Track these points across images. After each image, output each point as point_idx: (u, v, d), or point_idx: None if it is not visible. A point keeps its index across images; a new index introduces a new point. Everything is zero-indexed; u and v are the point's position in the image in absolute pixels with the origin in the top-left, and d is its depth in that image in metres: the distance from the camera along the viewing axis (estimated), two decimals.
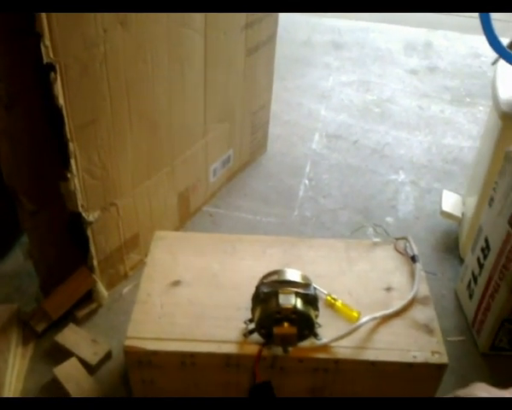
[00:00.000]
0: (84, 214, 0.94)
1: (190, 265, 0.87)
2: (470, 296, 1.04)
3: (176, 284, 0.84)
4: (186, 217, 1.27)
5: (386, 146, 1.58)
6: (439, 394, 0.80)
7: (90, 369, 0.95)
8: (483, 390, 0.43)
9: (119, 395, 0.92)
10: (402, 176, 1.46)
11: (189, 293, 0.83)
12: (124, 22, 0.86)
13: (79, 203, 0.92)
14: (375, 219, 1.29)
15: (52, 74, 0.78)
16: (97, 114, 0.89)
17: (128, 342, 0.76)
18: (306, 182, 1.43)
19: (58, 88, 0.79)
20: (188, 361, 0.76)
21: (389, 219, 1.30)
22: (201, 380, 0.79)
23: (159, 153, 1.08)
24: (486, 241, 0.98)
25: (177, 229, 1.24)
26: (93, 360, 0.96)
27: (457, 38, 2.22)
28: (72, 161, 0.87)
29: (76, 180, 0.89)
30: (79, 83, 0.83)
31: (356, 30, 2.27)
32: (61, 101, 0.81)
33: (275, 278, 0.72)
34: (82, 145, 0.88)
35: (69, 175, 0.88)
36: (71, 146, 0.86)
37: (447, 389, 0.86)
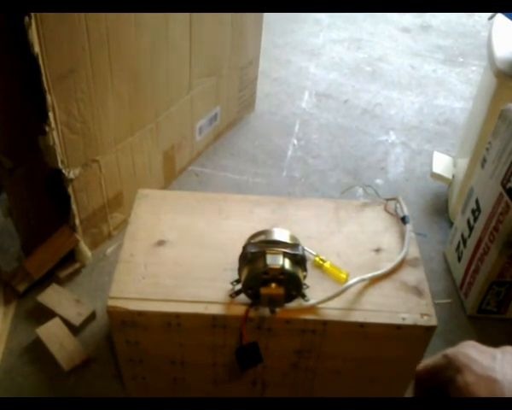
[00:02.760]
0: (64, 171, 0.90)
1: (175, 224, 0.85)
2: (459, 259, 1.03)
3: (160, 243, 0.82)
4: (171, 176, 1.24)
5: (376, 106, 1.55)
6: (427, 356, 0.79)
7: (74, 329, 0.94)
8: (472, 347, 0.41)
9: (104, 357, 0.91)
10: (392, 137, 1.43)
11: (174, 253, 0.80)
12: None
13: (59, 159, 0.88)
14: (365, 180, 1.27)
15: (26, 19, 0.73)
16: (76, 64, 0.84)
17: (111, 303, 0.74)
18: (295, 142, 1.40)
19: (33, 34, 0.74)
20: (173, 322, 0.74)
21: (379, 181, 1.28)
22: (187, 341, 0.77)
23: (142, 108, 1.04)
24: (477, 202, 0.97)
25: (162, 188, 1.21)
26: (77, 320, 0.95)
27: None
28: (51, 114, 0.83)
29: (55, 134, 0.85)
30: (56, 29, 0.78)
31: None
32: (37, 49, 0.76)
33: (262, 238, 0.70)
34: (60, 97, 0.84)
35: (47, 129, 0.84)
36: (48, 98, 0.81)
37: (434, 352, 0.86)
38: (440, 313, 0.97)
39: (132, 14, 0.90)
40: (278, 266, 0.66)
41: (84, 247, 1.04)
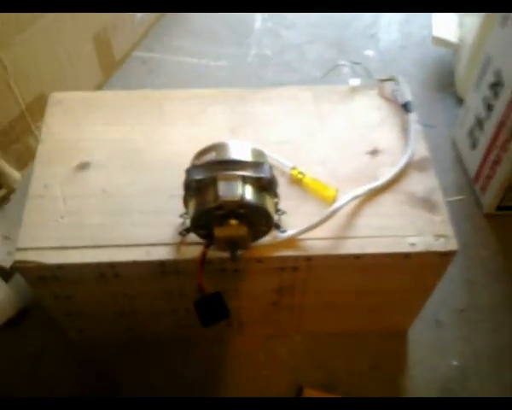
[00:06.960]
0: None
1: (102, 138, 0.64)
2: (473, 146, 0.87)
3: (83, 166, 0.62)
4: (111, 66, 1.03)
5: None
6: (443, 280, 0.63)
7: (5, 274, 0.79)
8: None
9: (39, 308, 0.76)
10: None
11: (102, 179, 0.60)
12: None
13: None
14: (351, 53, 1.07)
15: None
16: None
17: (19, 256, 0.55)
18: None
19: None
20: (108, 273, 0.56)
21: (369, 53, 1.08)
22: (132, 291, 0.61)
23: None
24: (498, 74, 0.78)
25: (100, 83, 1.02)
26: (7, 262, 0.79)
27: None
28: None
29: None
30: None
31: None
32: None
33: (212, 156, 0.49)
34: None
35: None
36: None
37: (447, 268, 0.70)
38: (451, 212, 0.80)
39: None
40: (236, 198, 0.46)
41: (8, 167, 0.88)
